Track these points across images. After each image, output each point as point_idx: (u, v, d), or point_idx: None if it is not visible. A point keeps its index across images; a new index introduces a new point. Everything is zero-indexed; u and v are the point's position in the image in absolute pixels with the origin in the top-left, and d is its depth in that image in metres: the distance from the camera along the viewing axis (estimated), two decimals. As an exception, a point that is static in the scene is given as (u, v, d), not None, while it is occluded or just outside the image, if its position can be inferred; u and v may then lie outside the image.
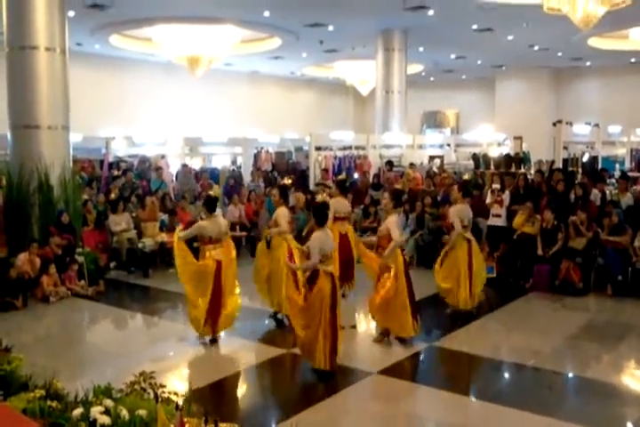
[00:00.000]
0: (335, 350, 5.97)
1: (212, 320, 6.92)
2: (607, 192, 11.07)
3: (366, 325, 7.83)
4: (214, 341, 7.06)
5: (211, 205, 7.29)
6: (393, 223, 6.81)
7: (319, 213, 6.26)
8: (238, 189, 13.61)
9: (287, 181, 9.13)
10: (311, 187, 14.25)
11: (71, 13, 12.16)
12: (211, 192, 7.87)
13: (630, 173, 13.82)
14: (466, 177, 10.27)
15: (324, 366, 5.88)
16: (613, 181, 12.83)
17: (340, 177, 9.75)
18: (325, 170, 14.45)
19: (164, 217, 11.38)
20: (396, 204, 7.17)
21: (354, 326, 7.64)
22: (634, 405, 5.51)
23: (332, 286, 5.98)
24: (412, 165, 14.88)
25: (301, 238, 11.43)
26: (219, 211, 7.94)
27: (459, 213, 7.98)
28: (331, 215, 7.95)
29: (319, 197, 6.78)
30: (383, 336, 7.02)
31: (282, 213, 7.77)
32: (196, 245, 7.46)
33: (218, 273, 6.90)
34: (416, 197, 11.69)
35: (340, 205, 8.73)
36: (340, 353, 6.10)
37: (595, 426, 4.92)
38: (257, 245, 8.43)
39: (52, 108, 10.01)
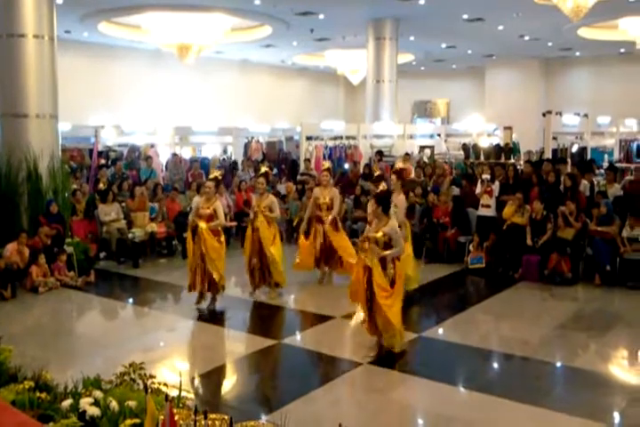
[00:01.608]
0: None
1: None
2: (595, 183, 11.14)
3: (355, 315, 7.84)
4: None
5: (218, 186, 8.48)
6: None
7: (385, 202, 6.45)
8: (230, 179, 13.58)
9: (265, 168, 9.54)
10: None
11: (59, 1, 12.04)
12: (217, 174, 8.50)
13: (619, 164, 13.89)
14: (399, 165, 10.20)
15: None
16: (602, 171, 12.90)
17: (327, 166, 9.76)
18: (309, 160, 14.42)
19: (155, 205, 11.33)
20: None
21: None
22: (621, 394, 5.56)
23: None
24: (406, 155, 14.86)
25: (292, 228, 11.51)
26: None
27: (403, 202, 8.12)
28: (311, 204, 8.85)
29: (380, 187, 6.96)
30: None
31: (275, 200, 8.54)
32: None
33: None
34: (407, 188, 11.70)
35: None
36: None
37: (583, 415, 4.96)
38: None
39: (40, 97, 9.93)
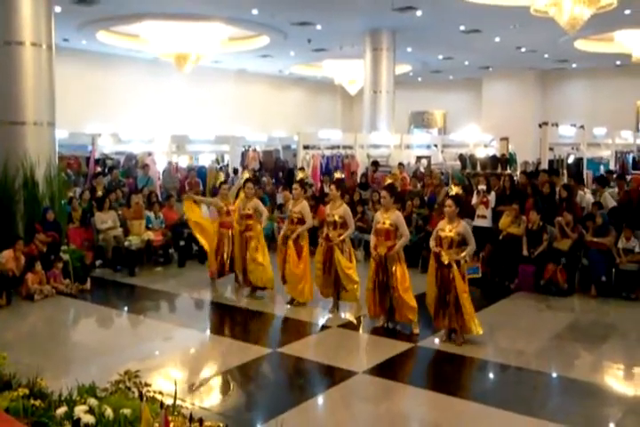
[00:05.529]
0: None
1: None
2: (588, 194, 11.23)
3: (352, 324, 7.83)
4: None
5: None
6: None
7: (461, 205, 7.08)
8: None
9: (247, 174, 10.10)
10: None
11: (58, 9, 12.07)
12: (246, 175, 9.79)
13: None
14: (338, 175, 10.18)
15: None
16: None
17: (301, 176, 9.66)
18: (302, 168, 14.33)
19: (150, 214, 11.30)
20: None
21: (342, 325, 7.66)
22: (617, 405, 5.56)
23: None
24: (400, 164, 14.89)
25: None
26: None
27: (347, 212, 8.06)
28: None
29: (454, 190, 7.23)
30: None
31: (260, 203, 8.96)
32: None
33: None
34: (404, 198, 11.71)
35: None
36: None
37: (578, 426, 4.95)
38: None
39: (37, 104, 9.95)
